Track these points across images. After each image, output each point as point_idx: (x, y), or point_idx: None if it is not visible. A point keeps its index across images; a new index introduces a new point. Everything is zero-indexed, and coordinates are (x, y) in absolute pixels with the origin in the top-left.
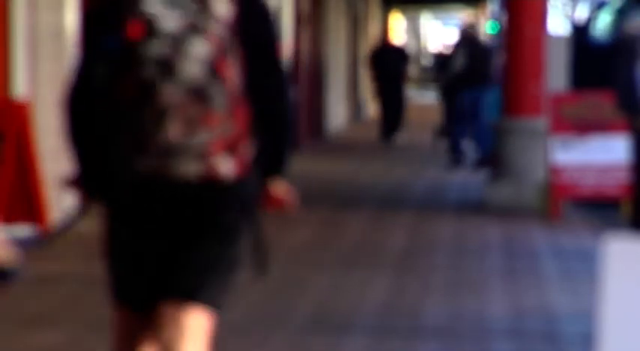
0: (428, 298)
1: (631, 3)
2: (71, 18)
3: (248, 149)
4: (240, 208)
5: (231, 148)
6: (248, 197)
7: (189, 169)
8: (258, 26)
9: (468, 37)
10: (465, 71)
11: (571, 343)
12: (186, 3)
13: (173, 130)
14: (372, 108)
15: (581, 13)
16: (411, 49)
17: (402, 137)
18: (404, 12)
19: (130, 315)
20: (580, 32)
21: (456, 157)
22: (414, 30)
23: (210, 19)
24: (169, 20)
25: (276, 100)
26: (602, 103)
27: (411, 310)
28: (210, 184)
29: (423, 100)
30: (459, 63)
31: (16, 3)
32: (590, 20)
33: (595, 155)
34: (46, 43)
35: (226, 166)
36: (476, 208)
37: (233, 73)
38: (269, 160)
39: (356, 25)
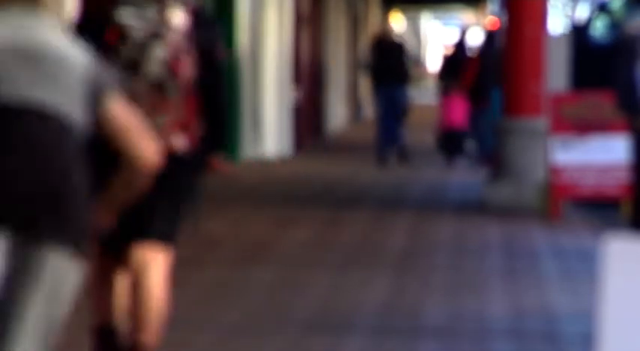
0: (428, 298)
1: (631, 3)
2: (71, 18)
3: (197, 129)
4: (192, 171)
5: (183, 128)
6: (196, 164)
7: None
8: (205, 34)
9: (381, 38)
10: (375, 70)
11: (571, 343)
12: (150, 15)
13: (140, 115)
14: (371, 108)
15: (581, 13)
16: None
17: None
18: (404, 12)
19: (104, 256)
20: (580, 32)
21: (380, 155)
22: (414, 30)
23: (168, 28)
24: (137, 30)
25: (215, 94)
26: (602, 103)
27: (411, 310)
28: (169, 155)
29: (424, 99)
30: (365, 63)
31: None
32: (590, 20)
33: (595, 155)
34: None
35: (180, 142)
36: (476, 208)
37: (186, 70)
38: (212, 138)
39: (356, 25)
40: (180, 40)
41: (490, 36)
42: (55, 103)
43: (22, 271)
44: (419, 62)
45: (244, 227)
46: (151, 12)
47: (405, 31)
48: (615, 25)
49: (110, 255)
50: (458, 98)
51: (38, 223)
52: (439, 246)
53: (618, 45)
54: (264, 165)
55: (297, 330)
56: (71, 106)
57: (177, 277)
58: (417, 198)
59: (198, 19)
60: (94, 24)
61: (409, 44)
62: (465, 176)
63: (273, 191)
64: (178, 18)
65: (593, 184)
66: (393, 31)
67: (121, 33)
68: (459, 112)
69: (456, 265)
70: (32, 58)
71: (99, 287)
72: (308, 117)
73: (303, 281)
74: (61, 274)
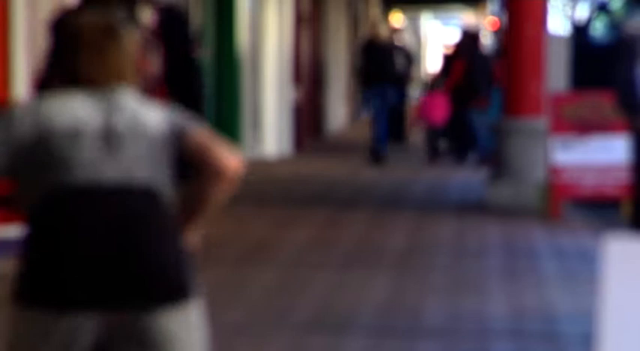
0: (428, 298)
1: (631, 3)
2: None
3: None
4: None
5: None
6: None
7: None
8: (176, 31)
9: (371, 39)
10: (363, 71)
11: (571, 343)
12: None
13: None
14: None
15: (581, 13)
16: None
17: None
18: (404, 12)
19: None
20: (580, 32)
21: (374, 153)
22: (414, 30)
23: (134, 25)
24: None
25: (189, 90)
26: (602, 103)
27: (411, 310)
28: None
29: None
30: (356, 64)
31: (16, 2)
32: (590, 20)
33: (595, 155)
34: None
35: None
36: (476, 208)
37: (152, 67)
38: None
39: (356, 25)
40: (148, 38)
41: (469, 36)
42: (144, 178)
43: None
44: (417, 62)
45: (244, 227)
46: (118, 11)
47: (404, 30)
48: (615, 25)
49: None
50: (439, 96)
51: (152, 295)
52: (439, 246)
53: (618, 45)
54: (264, 165)
55: (297, 330)
56: (158, 175)
57: None
58: (417, 198)
59: (170, 17)
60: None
61: (408, 44)
62: (465, 176)
63: (273, 191)
64: (146, 16)
65: (593, 184)
66: (384, 31)
67: None
68: (439, 109)
69: (456, 265)
70: (118, 138)
71: None
72: (308, 117)
73: (303, 281)
74: (190, 329)
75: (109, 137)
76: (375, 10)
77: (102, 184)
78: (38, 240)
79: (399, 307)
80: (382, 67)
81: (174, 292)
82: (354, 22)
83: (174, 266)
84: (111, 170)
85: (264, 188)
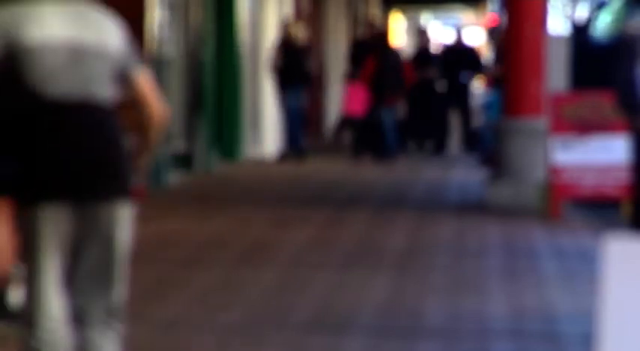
0: (428, 298)
1: (631, 3)
2: None
3: None
4: None
5: None
6: None
7: None
8: None
9: (286, 38)
10: (281, 70)
11: (571, 343)
12: None
13: None
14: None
15: (581, 13)
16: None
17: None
18: (404, 12)
19: None
20: (580, 32)
21: (290, 150)
22: (414, 30)
23: None
24: None
25: None
26: (602, 103)
27: (411, 310)
28: None
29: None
30: (273, 63)
31: None
32: (590, 20)
33: (595, 155)
34: None
35: None
36: (476, 208)
37: None
38: None
39: (356, 25)
40: None
41: (382, 35)
42: (98, 94)
43: (103, 226)
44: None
45: (244, 227)
46: None
47: (405, 30)
48: (615, 25)
49: None
50: (358, 88)
51: (107, 187)
52: (439, 246)
53: (618, 45)
54: (264, 165)
55: (297, 330)
56: (109, 90)
57: (178, 277)
58: (417, 198)
59: None
60: None
61: (408, 45)
62: (465, 176)
63: (273, 191)
64: None
65: (593, 184)
66: (299, 32)
67: None
68: (357, 101)
69: (456, 265)
70: (82, 56)
71: None
72: (308, 117)
73: (303, 281)
74: (127, 221)
75: (76, 52)
76: (374, 10)
77: (67, 98)
78: (19, 148)
79: (399, 307)
80: (293, 68)
81: (122, 189)
82: (354, 22)
83: (122, 168)
84: (76, 83)
85: (264, 188)
